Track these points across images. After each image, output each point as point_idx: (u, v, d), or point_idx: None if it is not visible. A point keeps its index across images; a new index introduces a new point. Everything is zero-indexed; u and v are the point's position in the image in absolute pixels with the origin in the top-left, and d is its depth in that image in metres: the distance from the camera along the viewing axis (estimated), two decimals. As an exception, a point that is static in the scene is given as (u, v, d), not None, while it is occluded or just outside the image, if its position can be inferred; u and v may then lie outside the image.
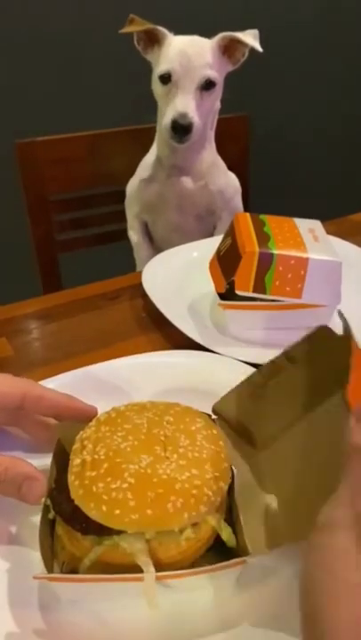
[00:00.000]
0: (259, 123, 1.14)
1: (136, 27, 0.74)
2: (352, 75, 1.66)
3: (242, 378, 0.44)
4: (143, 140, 0.87)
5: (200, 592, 0.31)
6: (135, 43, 0.77)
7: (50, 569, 0.30)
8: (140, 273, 0.62)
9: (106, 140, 0.95)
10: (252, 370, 0.45)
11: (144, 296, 0.59)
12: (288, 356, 0.37)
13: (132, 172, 0.89)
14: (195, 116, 0.73)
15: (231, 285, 0.51)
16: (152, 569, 0.29)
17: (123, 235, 0.94)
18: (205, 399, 0.37)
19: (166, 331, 0.54)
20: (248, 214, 0.58)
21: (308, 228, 0.56)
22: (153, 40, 0.76)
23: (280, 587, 0.31)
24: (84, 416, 0.36)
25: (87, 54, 1.28)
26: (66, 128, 0.93)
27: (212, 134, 0.82)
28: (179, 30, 0.76)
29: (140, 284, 0.60)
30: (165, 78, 0.73)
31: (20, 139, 0.90)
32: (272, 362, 0.37)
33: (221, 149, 0.89)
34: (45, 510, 0.32)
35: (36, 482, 0.32)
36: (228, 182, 0.86)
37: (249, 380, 0.38)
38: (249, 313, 0.53)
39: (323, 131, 1.67)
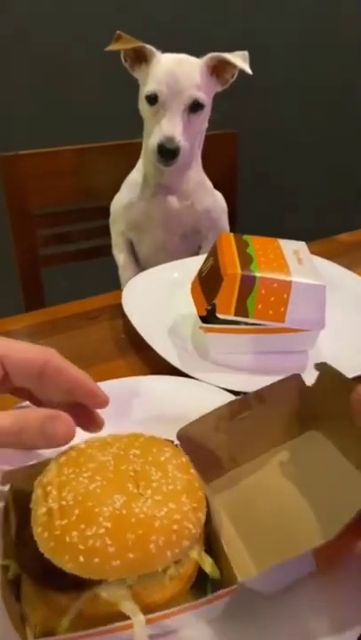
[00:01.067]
0: (248, 140, 1.13)
1: (123, 44, 0.73)
2: (343, 94, 1.67)
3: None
4: (130, 156, 0.86)
5: (191, 630, 0.29)
6: (122, 60, 0.76)
7: (24, 638, 0.28)
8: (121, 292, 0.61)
9: (91, 154, 0.94)
10: (233, 398, 0.44)
11: (124, 316, 0.57)
12: (258, 394, 0.38)
13: (118, 188, 0.87)
14: (182, 140, 0.71)
15: (213, 308, 0.50)
16: (140, 615, 0.27)
17: (108, 250, 0.93)
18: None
19: (145, 354, 0.53)
20: (232, 234, 0.57)
21: (293, 249, 0.55)
22: (140, 58, 0.74)
23: (272, 613, 0.29)
24: (96, 402, 0.34)
25: (74, 68, 1.27)
26: (51, 141, 0.92)
27: (198, 153, 0.81)
28: (169, 46, 0.75)
29: (121, 304, 0.59)
30: (152, 99, 0.72)
31: (5, 152, 0.89)
32: (243, 399, 0.38)
33: (209, 167, 0.88)
34: (4, 571, 0.29)
35: (59, 419, 0.30)
36: (215, 202, 0.85)
37: (216, 411, 0.37)
38: (231, 337, 0.51)
39: (313, 150, 1.68)
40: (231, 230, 1.07)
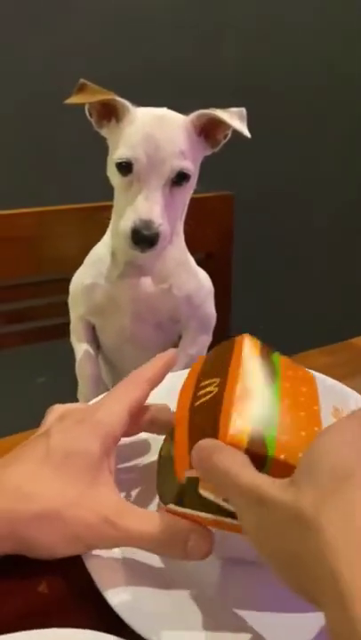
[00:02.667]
0: (245, 203, 0.98)
1: (87, 97, 0.56)
2: (348, 150, 1.53)
3: None
4: (100, 220, 0.69)
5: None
6: (87, 113, 0.60)
7: None
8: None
9: (54, 218, 0.78)
10: None
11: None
12: None
13: (83, 257, 0.70)
14: (163, 223, 0.55)
15: (194, 481, 0.32)
16: None
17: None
18: None
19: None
20: (258, 345, 0.38)
21: (334, 406, 0.37)
22: (110, 112, 0.59)
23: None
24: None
25: (43, 119, 1.12)
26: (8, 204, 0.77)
27: (180, 225, 0.65)
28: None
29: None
30: (125, 167, 0.56)
31: None
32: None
33: (200, 234, 0.71)
34: None
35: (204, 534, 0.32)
36: (199, 285, 0.68)
37: None
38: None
39: (316, 213, 1.53)
40: (223, 307, 0.91)
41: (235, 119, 0.57)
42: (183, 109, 0.59)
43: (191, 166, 0.57)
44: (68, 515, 0.31)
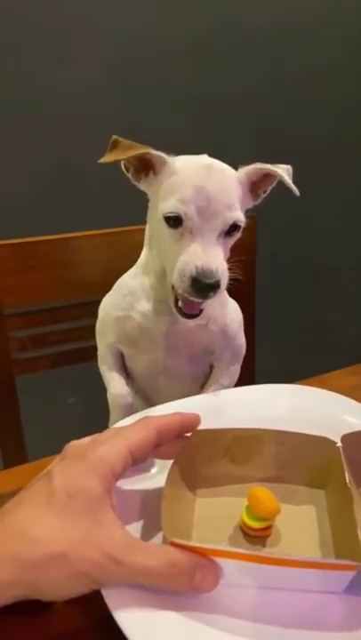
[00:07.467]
0: (267, 224, 0.98)
1: (121, 153, 0.54)
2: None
3: None
4: (122, 245, 0.70)
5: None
6: (122, 167, 0.58)
7: None
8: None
9: (80, 244, 0.79)
10: None
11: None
12: None
13: (107, 281, 0.69)
14: (223, 268, 0.53)
15: None
16: None
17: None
18: None
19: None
20: None
21: None
22: (147, 166, 0.57)
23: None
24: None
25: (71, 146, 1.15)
26: (32, 230, 0.78)
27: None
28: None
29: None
30: (174, 220, 0.54)
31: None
32: None
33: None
34: None
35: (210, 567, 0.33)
36: (232, 316, 0.66)
37: None
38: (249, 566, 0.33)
39: (340, 235, 1.52)
40: (248, 330, 0.90)
41: (285, 177, 0.56)
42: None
43: (242, 217, 0.55)
44: (73, 554, 0.32)
